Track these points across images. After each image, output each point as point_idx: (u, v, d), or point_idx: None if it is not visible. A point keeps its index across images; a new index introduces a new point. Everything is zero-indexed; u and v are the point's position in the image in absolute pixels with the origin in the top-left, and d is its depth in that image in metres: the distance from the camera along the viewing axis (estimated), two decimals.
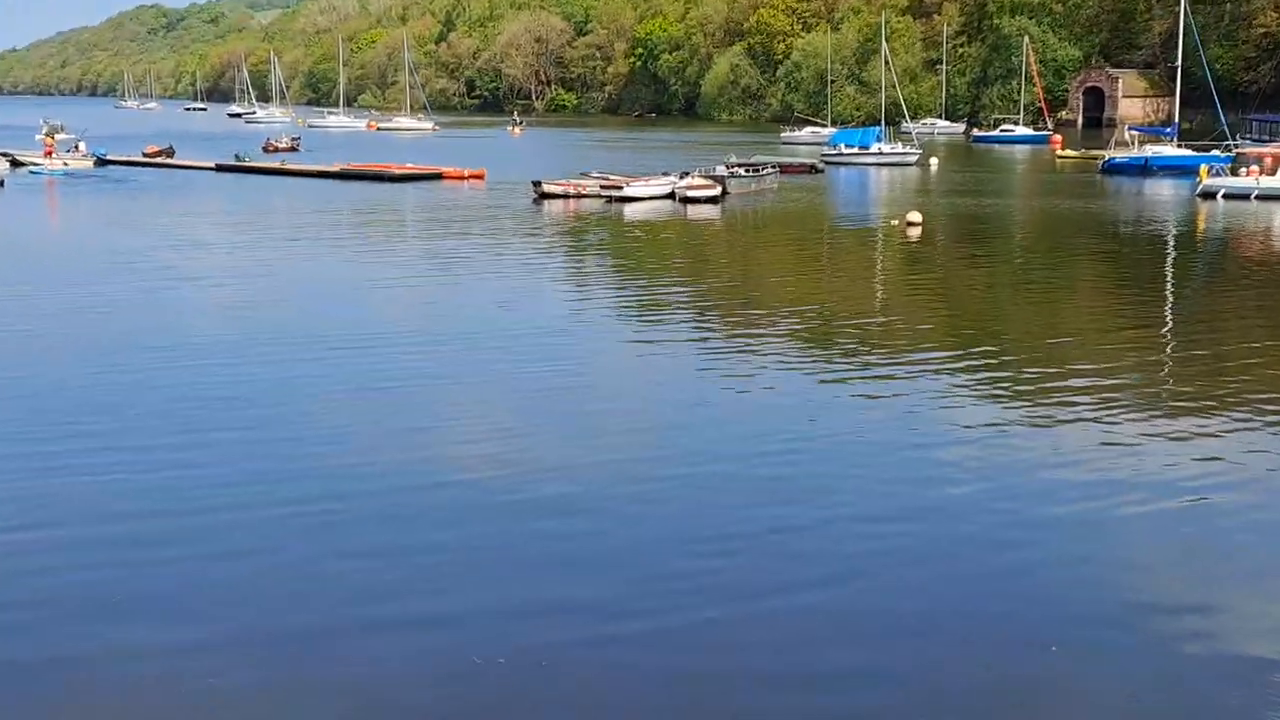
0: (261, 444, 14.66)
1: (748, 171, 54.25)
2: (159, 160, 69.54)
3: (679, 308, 23.69)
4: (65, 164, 63.75)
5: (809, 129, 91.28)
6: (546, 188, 48.36)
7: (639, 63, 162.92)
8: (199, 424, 15.46)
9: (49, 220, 41.04)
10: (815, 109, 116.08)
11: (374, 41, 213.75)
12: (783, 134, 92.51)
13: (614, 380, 17.72)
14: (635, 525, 12.26)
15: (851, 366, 18.82)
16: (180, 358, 18.98)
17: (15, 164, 62.03)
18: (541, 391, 17.02)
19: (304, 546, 11.70)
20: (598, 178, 50.82)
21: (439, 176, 59.38)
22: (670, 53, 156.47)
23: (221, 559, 11.41)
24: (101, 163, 66.98)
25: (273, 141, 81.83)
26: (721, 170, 53.19)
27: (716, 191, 47.31)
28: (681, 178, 48.85)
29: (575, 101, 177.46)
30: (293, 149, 78.88)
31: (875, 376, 18.05)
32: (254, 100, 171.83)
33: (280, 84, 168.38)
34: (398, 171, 59.01)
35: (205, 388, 17.15)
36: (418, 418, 15.85)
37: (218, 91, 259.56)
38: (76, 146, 71.12)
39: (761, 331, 21.37)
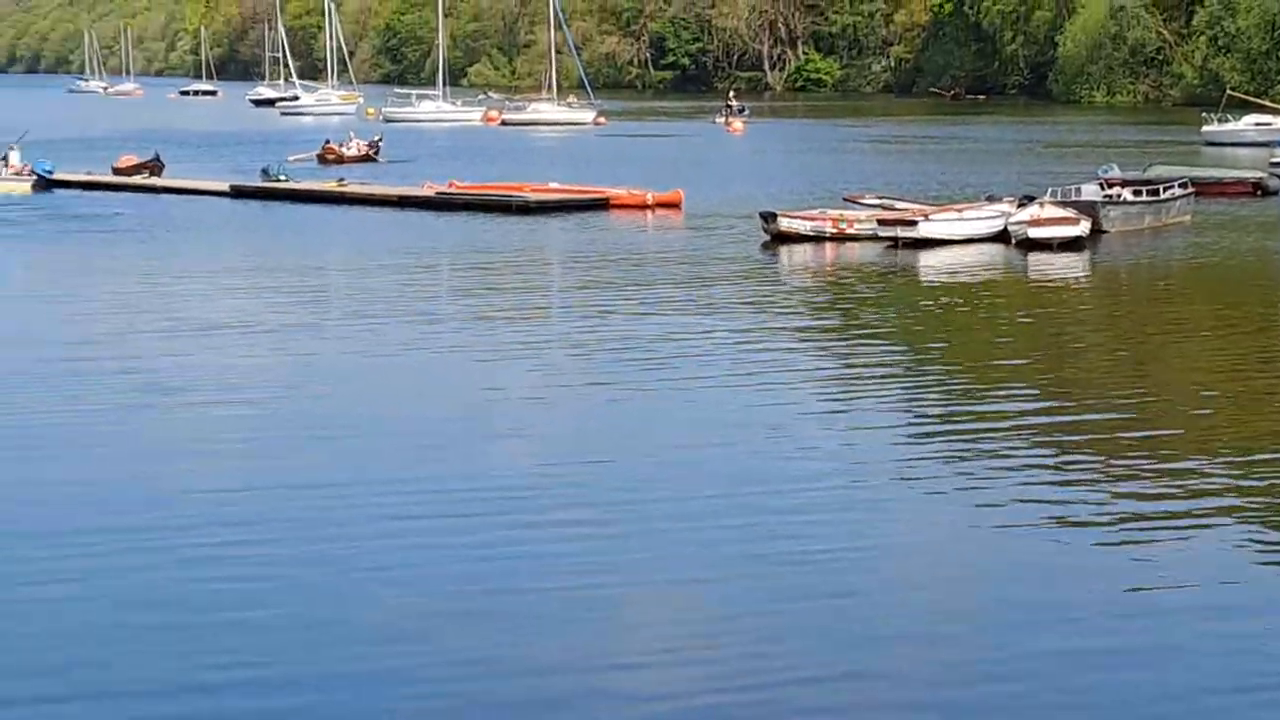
0: None
1: (1138, 193, 42.18)
2: (138, 180, 55.97)
3: (1033, 474, 16.65)
4: None
5: (1252, 119, 74.70)
6: (785, 223, 38.53)
7: (948, 8, 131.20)
8: None
9: None
10: (1264, 85, 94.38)
11: None
12: (1205, 127, 75.23)
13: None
14: None
15: None
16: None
17: None
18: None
19: None
20: (875, 204, 41.59)
21: (604, 204, 47.31)
22: None
23: None
24: (45, 184, 54.03)
25: (335, 145, 67.14)
26: (1092, 191, 41.13)
27: (1081, 229, 36.87)
28: (1021, 205, 38.81)
29: (838, 73, 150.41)
30: (369, 157, 66.63)
31: None
32: (295, 77, 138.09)
33: (340, 48, 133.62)
34: (535, 197, 47.33)
35: None
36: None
37: (235, 63, 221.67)
38: (4, 159, 56.73)
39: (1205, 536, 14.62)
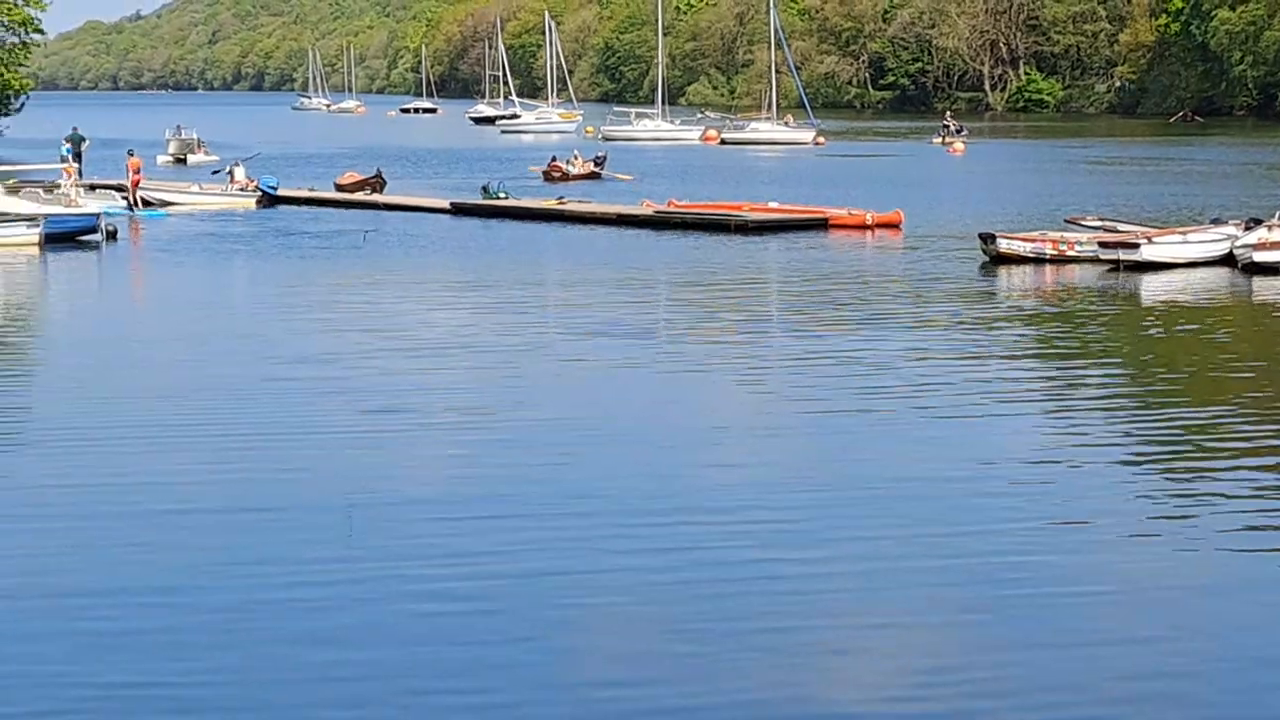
0: None
1: None
2: (359, 197, 56.67)
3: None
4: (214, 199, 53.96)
5: None
6: (1005, 245, 38.03)
7: (1175, 28, 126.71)
8: None
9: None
10: None
11: None
12: None
13: None
14: None
15: None
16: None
17: (144, 202, 51.73)
18: None
19: None
20: (1096, 225, 40.67)
21: (823, 224, 46.89)
22: (1231, 8, 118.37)
23: None
24: (270, 200, 54.61)
25: (560, 163, 67.48)
26: None
27: None
28: (1247, 228, 37.35)
29: (1060, 93, 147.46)
30: (593, 175, 67.00)
31: None
32: (515, 95, 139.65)
33: (560, 66, 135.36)
34: (754, 216, 46.99)
35: None
36: None
37: (454, 81, 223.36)
38: (230, 175, 57.86)
39: None
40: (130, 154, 53.97)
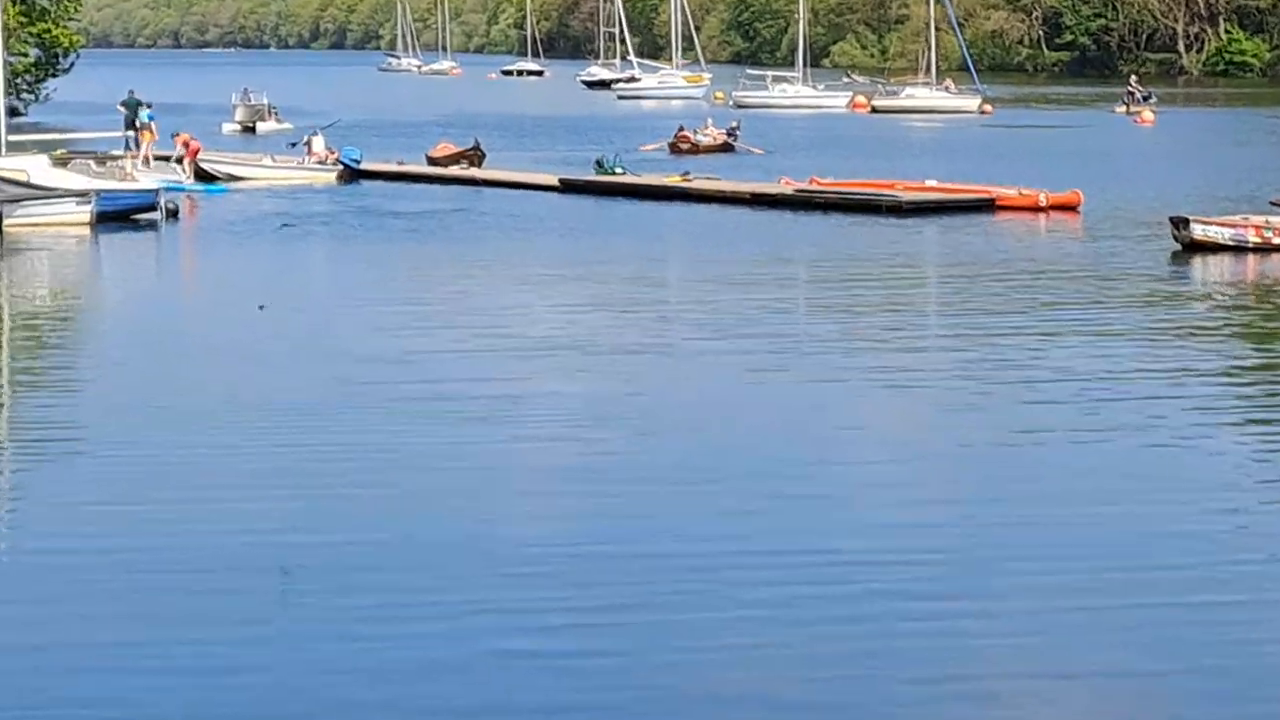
0: None
1: None
2: (455, 171, 56.92)
3: None
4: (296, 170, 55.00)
5: None
6: (1200, 231, 38.21)
7: None
8: None
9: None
10: None
11: None
12: None
13: None
14: None
15: None
16: None
17: (205, 175, 52.81)
18: None
19: None
20: None
21: (989, 205, 47.24)
22: None
23: None
24: (352, 174, 55.29)
25: (689, 133, 67.85)
26: None
27: None
28: None
29: (1267, 55, 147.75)
30: (725, 147, 67.05)
31: None
32: (633, 55, 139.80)
33: (686, 23, 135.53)
34: (909, 196, 47.34)
35: None
36: None
37: (564, 39, 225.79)
38: (307, 145, 58.26)
39: None
40: (175, 135, 54.74)
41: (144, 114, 56.08)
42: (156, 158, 54.32)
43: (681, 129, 68.94)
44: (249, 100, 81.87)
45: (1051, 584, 14.73)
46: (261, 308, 29.21)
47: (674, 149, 66.21)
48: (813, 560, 15.43)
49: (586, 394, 23.36)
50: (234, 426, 20.64)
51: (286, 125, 75.83)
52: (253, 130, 76.58)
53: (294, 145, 59.96)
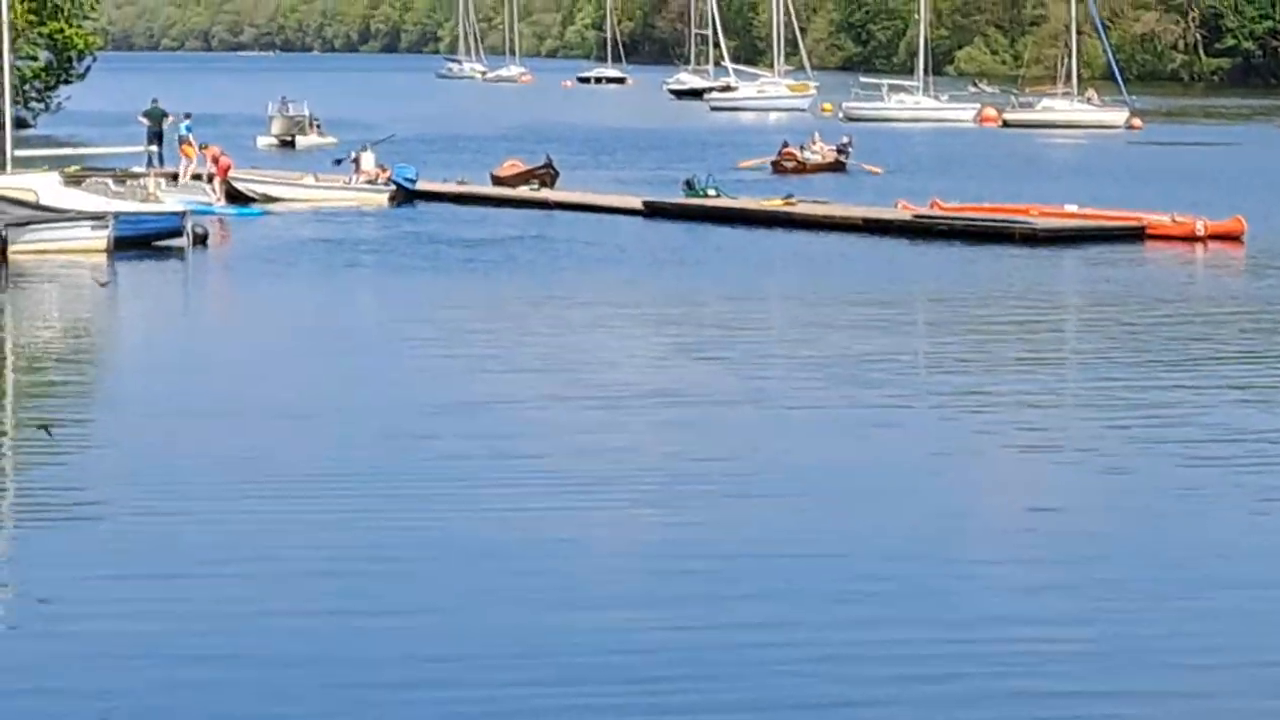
0: None
1: None
2: (524, 193, 57.59)
3: None
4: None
5: None
6: None
7: None
8: None
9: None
10: None
11: None
12: None
13: None
14: None
15: None
16: None
17: (238, 196, 53.16)
18: None
19: None
20: None
21: (1139, 234, 47.78)
22: None
23: None
24: (406, 195, 55.68)
25: (795, 149, 68.86)
26: None
27: None
28: None
29: None
30: (835, 165, 68.19)
31: None
32: (729, 61, 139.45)
33: (790, 24, 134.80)
34: (1045, 223, 47.98)
35: None
36: None
37: (649, 42, 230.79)
38: (355, 162, 58.62)
39: None
40: (204, 148, 55.13)
41: (182, 126, 56.65)
42: (193, 177, 54.74)
43: (786, 145, 69.64)
44: (287, 110, 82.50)
45: (1214, 685, 14.38)
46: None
47: (778, 168, 66.90)
48: (940, 654, 15.11)
49: (672, 453, 23.32)
50: (271, 497, 20.51)
51: (330, 139, 76.64)
52: (291, 144, 77.40)
53: (340, 162, 60.31)
